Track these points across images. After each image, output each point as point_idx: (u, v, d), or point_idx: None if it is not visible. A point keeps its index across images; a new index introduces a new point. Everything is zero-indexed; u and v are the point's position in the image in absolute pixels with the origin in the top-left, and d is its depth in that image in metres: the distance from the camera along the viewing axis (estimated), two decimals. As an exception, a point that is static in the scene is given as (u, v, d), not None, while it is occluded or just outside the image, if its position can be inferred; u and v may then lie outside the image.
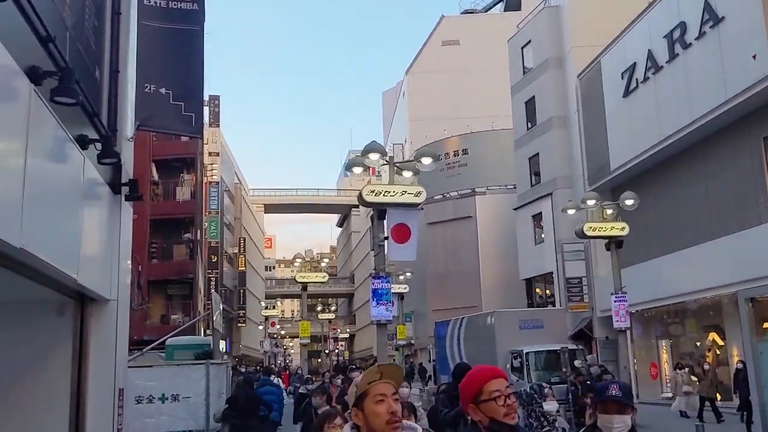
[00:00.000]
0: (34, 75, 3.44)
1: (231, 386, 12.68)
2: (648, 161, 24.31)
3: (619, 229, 17.58)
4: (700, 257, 21.61)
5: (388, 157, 13.52)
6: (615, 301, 17.48)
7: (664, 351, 24.53)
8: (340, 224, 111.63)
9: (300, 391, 12.57)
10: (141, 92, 6.12)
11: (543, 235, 32.80)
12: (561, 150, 31.19)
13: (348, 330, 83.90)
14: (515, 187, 41.23)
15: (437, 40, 57.28)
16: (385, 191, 13.35)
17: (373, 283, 13.15)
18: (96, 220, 4.97)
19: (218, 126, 49.07)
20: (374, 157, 13.32)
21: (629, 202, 17.79)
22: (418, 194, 13.51)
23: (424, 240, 46.64)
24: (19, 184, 3.24)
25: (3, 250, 3.15)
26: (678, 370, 20.06)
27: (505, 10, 58.66)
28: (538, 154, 32.69)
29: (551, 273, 31.29)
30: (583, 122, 29.11)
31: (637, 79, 24.63)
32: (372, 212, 13.63)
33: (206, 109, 46.11)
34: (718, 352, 22.06)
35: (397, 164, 13.80)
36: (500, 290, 38.67)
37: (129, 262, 6.08)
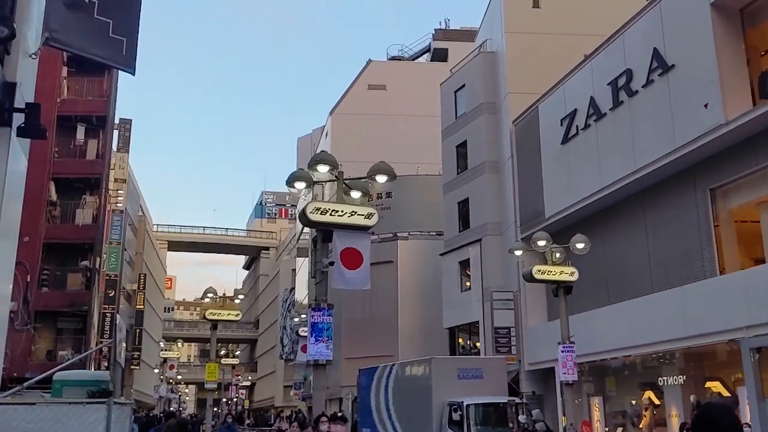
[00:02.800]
0: None
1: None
2: (586, 209, 23.59)
3: (568, 273, 16.44)
4: (638, 311, 20.77)
5: (337, 172, 11.83)
6: (562, 351, 16.21)
7: (596, 409, 23.44)
8: (248, 267, 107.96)
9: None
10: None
11: (469, 283, 31.63)
12: (492, 196, 30.34)
13: (249, 378, 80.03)
14: (439, 234, 40.26)
15: (363, 83, 56.60)
16: (332, 210, 11.63)
17: (312, 316, 11.26)
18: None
19: (127, 152, 45.99)
20: (323, 169, 11.62)
21: (580, 245, 16.74)
22: (369, 216, 11.86)
23: (341, 284, 44.82)
24: None
25: None
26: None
27: (432, 60, 58.80)
28: (468, 199, 31.73)
29: (477, 322, 30.02)
30: (516, 168, 28.38)
31: (577, 126, 24.08)
32: (313, 234, 11.81)
33: (116, 133, 43.11)
34: (654, 412, 21.09)
35: (347, 181, 12.11)
36: (419, 339, 37.13)
37: (14, 240, 4.09)
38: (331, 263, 11.35)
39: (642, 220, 21.73)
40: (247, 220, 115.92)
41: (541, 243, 16.47)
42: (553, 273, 16.32)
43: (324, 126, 62.26)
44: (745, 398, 17.38)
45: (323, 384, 11.62)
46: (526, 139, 27.80)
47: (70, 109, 30.98)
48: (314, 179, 12.15)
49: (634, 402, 21.90)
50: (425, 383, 17.28)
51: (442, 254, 33.57)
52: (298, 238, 75.63)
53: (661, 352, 20.04)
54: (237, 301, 24.32)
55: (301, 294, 64.17)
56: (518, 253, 17.20)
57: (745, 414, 17.31)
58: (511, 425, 14.74)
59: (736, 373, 18.51)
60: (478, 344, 30.14)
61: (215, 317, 23.30)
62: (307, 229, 75.44)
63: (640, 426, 21.22)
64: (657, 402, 21.04)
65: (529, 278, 16.39)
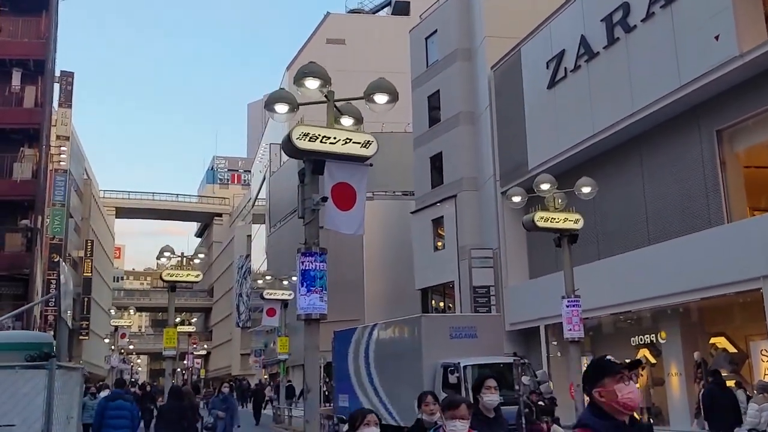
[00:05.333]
0: None
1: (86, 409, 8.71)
2: (575, 158, 22.00)
3: (573, 221, 14.78)
4: (634, 265, 19.37)
5: (327, 90, 9.79)
6: (567, 306, 14.61)
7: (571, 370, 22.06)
8: (200, 234, 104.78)
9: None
10: None
11: (441, 243, 30.00)
12: (468, 149, 28.58)
13: (205, 346, 77.75)
14: (405, 194, 38.47)
15: (321, 37, 54.06)
16: (323, 136, 9.60)
17: (302, 263, 9.32)
18: None
19: (70, 107, 42.74)
20: (312, 84, 9.58)
21: (586, 189, 15.06)
22: (366, 144, 9.87)
23: (303, 246, 42.82)
24: None
25: None
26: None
27: (393, 14, 56.50)
28: (440, 153, 29.90)
29: (451, 282, 28.44)
30: (495, 118, 26.62)
31: (565, 68, 22.37)
32: (302, 166, 9.80)
33: (57, 87, 39.88)
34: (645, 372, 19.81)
35: (338, 103, 10.08)
36: (387, 303, 35.54)
37: None
38: (324, 199, 9.36)
39: (638, 167, 20.24)
40: (199, 186, 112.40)
41: (545, 186, 14.78)
42: (556, 220, 14.69)
43: (280, 83, 59.51)
44: (759, 353, 16.18)
45: (316, 342, 9.71)
46: (507, 86, 26.03)
47: (3, 52, 27.96)
48: (298, 101, 10.10)
49: (627, 361, 20.55)
50: (414, 344, 15.55)
51: (413, 212, 31.80)
52: (253, 204, 73.18)
53: (663, 307, 18.67)
54: (197, 261, 22.06)
55: (258, 261, 61.95)
56: (516, 199, 15.49)
57: (759, 370, 16.11)
58: (516, 387, 13.10)
59: (744, 327, 17.30)
60: (452, 306, 28.63)
61: (173, 278, 21.06)
62: (263, 194, 73.04)
63: (636, 385, 19.94)
64: (653, 361, 19.79)
65: (531, 227, 14.72)
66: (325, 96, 9.83)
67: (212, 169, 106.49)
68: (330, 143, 9.62)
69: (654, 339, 19.77)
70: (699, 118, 18.10)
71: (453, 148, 29.14)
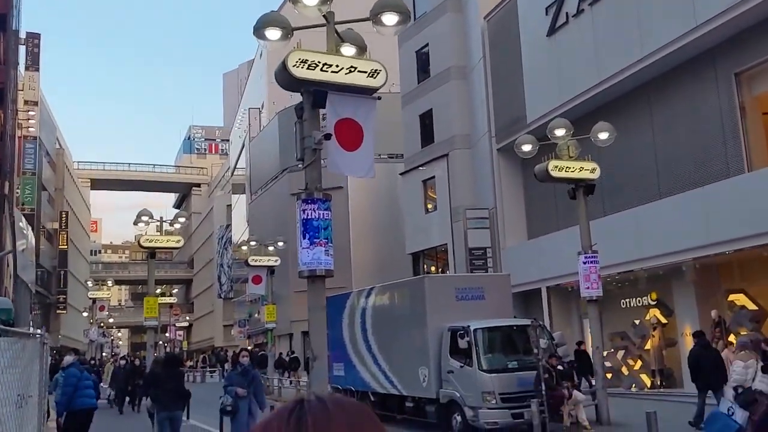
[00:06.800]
0: None
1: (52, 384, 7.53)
2: (578, 109, 20.69)
3: (589, 170, 13.56)
4: (645, 219, 18.27)
5: (327, 11, 8.38)
6: (584, 263, 13.46)
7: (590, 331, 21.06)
8: (178, 205, 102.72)
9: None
10: None
11: (431, 205, 28.74)
12: (460, 105, 27.19)
13: (187, 318, 76.36)
14: (391, 157, 37.06)
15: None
16: (324, 64, 8.24)
17: (303, 211, 8.00)
18: None
19: (37, 70, 40.60)
20: (311, 1, 8.18)
21: (603, 135, 13.82)
22: (374, 74, 8.53)
23: (286, 212, 41.29)
24: None
25: None
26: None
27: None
28: (431, 110, 28.47)
29: (444, 245, 27.25)
30: (490, 71, 25.22)
31: (567, 13, 20.99)
32: (300, 100, 8.42)
33: (22, 48, 37.75)
34: (656, 333, 18.81)
35: (339, 29, 8.68)
36: (375, 269, 34.33)
37: None
38: (327, 136, 8.01)
39: (648, 116, 19.02)
40: (176, 156, 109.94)
41: (559, 132, 13.49)
42: (572, 169, 13.45)
43: (257, 49, 57.38)
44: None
45: (322, 302, 8.43)
46: (502, 36, 24.60)
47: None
48: (293, 25, 8.69)
49: (637, 322, 19.59)
50: (418, 307, 14.33)
51: (402, 173, 30.43)
52: (232, 172, 71.37)
53: (677, 264, 17.59)
54: (177, 226, 20.67)
55: (239, 231, 60.42)
56: (527, 148, 14.20)
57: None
58: (535, 350, 11.96)
59: (767, 282, 16.29)
60: (446, 270, 27.47)
61: (152, 244, 19.68)
62: (242, 163, 70.92)
63: (646, 347, 18.97)
64: (664, 321, 18.78)
65: (544, 177, 13.48)
66: (324, 17, 8.43)
67: (189, 138, 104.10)
68: (332, 72, 8.28)
69: (669, 298, 18.71)
70: (716, 61, 16.88)
71: (444, 105, 27.73)
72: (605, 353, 20.06)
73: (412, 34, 29.73)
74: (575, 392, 12.47)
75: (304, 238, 7.94)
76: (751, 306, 16.50)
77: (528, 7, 22.92)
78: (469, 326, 13.00)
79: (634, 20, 18.30)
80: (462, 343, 12.82)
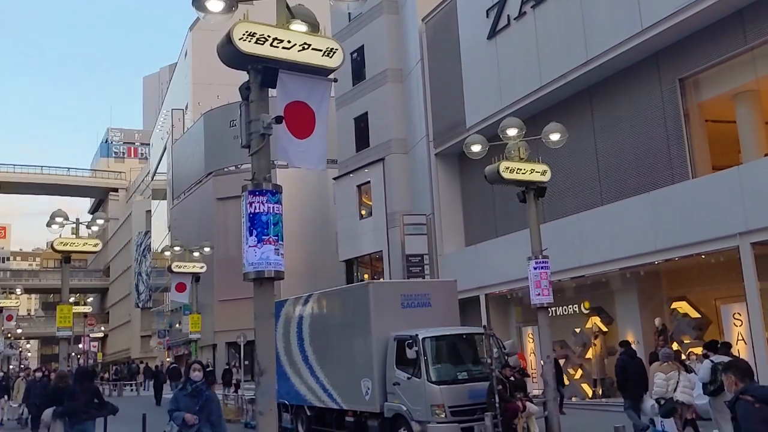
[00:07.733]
0: None
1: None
2: (519, 113, 19.94)
3: (540, 172, 13.04)
4: (587, 226, 17.98)
5: (281, -19, 7.45)
6: (534, 268, 12.86)
7: (530, 339, 20.71)
8: (94, 210, 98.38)
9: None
10: None
11: (364, 212, 27.95)
12: (396, 108, 26.55)
13: (102, 329, 72.95)
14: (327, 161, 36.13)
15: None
16: (275, 38, 7.30)
17: (250, 204, 7.03)
18: None
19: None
20: (261, -34, 7.21)
21: (554, 137, 13.33)
22: (329, 53, 7.63)
23: (213, 217, 39.68)
24: None
25: None
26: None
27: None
28: (366, 113, 27.74)
29: (379, 252, 26.49)
30: (428, 74, 24.67)
31: (509, 16, 20.63)
32: (247, 79, 7.44)
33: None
34: (598, 342, 18.55)
35: (290, 2, 7.76)
36: (305, 277, 33.17)
37: None
38: (279, 119, 7.06)
39: (589, 121, 18.81)
40: (92, 160, 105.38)
41: (511, 132, 12.94)
42: (523, 171, 12.92)
43: (181, 48, 55.44)
44: (732, 317, 15.04)
45: (270, 309, 7.44)
46: (440, 39, 24.11)
47: None
48: (239, -4, 7.70)
49: (578, 330, 19.27)
50: (361, 315, 13.44)
51: (336, 178, 29.54)
52: (152, 177, 68.69)
53: (622, 271, 17.33)
54: (95, 228, 19.10)
55: (159, 238, 58.05)
56: (476, 148, 13.61)
57: (731, 335, 14.97)
58: (488, 361, 11.27)
59: (712, 290, 16.17)
60: (380, 278, 26.69)
61: (67, 247, 18.06)
62: (163, 168, 68.85)
63: (587, 356, 18.66)
64: (605, 329, 18.53)
65: (495, 179, 12.87)
66: (279, -11, 7.49)
67: (107, 141, 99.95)
68: (284, 48, 7.35)
69: (610, 306, 18.48)
70: (660, 66, 16.76)
71: (380, 108, 27.04)
72: (542, 362, 19.70)
73: (345, 35, 28.95)
74: (528, 404, 11.84)
75: (251, 234, 6.98)
76: (694, 314, 16.39)
77: (468, 9, 22.49)
78: (417, 335, 12.21)
79: (579, 23, 18.05)
80: (409, 353, 12.00)
